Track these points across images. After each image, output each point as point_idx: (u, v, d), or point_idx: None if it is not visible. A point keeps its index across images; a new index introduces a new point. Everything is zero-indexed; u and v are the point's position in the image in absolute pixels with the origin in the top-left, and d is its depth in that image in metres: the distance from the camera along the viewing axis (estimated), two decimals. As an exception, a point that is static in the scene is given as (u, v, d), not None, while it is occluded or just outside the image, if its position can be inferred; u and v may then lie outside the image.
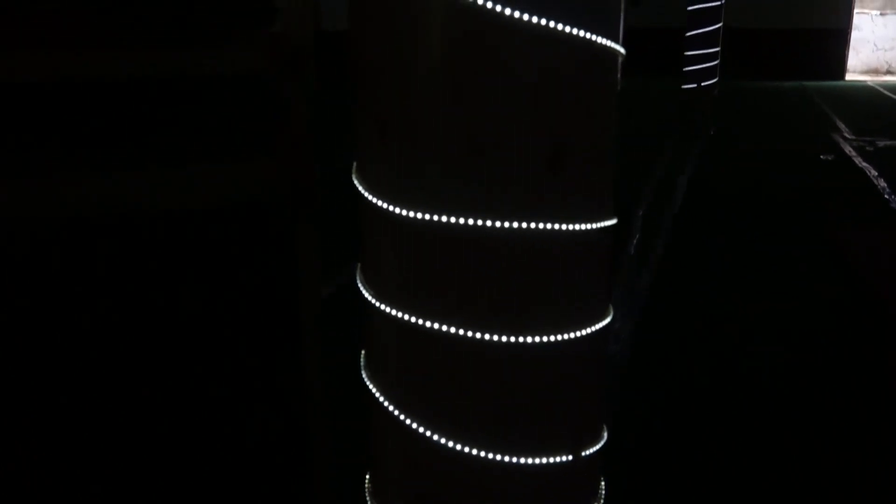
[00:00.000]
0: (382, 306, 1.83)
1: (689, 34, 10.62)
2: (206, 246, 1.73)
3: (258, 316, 1.83)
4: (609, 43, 1.69)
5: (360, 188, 1.83)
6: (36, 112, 1.59)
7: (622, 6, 2.15)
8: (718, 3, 10.45)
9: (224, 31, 1.63)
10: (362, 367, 2.02)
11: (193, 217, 1.68)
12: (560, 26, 1.59)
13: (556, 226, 1.70)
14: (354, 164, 1.89)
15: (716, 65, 10.75)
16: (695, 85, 10.68)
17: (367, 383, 1.98)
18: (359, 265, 1.96)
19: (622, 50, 1.77)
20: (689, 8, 10.54)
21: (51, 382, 1.79)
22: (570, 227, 1.72)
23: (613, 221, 1.86)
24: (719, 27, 10.59)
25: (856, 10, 17.40)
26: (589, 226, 1.76)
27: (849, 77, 17.49)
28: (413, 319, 1.76)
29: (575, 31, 1.61)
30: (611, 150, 1.83)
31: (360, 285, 1.94)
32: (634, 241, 6.56)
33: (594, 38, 1.65)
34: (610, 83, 1.76)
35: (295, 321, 1.83)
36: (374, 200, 1.78)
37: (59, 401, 1.86)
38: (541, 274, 1.73)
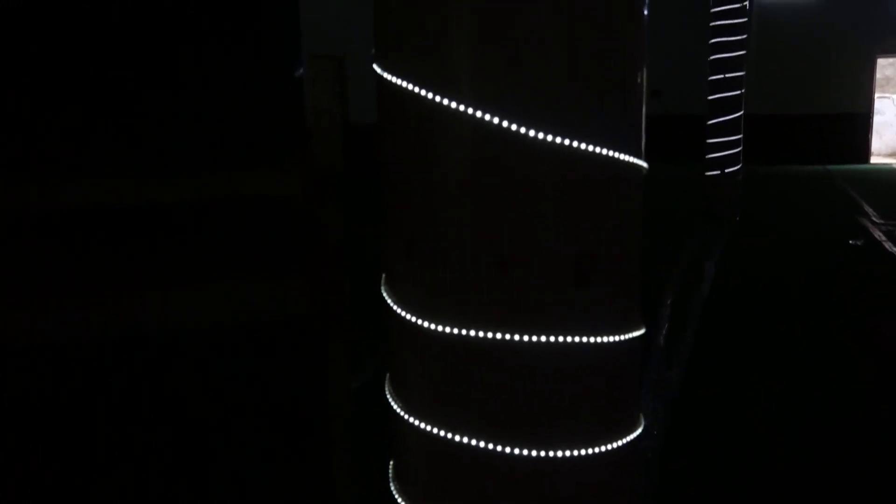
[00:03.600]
0: (411, 419, 1.83)
1: (710, 122, 10.77)
2: (240, 361, 1.76)
3: (287, 431, 1.84)
4: (632, 159, 1.73)
5: (389, 301, 1.86)
6: (78, 233, 1.66)
7: (643, 123, 2.21)
8: (739, 91, 10.62)
9: (259, 155, 1.70)
10: (391, 479, 2.01)
11: (228, 332, 1.71)
12: (583, 146, 1.63)
13: (583, 339, 1.71)
14: (383, 276, 1.93)
15: (738, 151, 10.84)
16: (718, 172, 10.76)
17: (396, 496, 1.96)
18: (388, 376, 1.97)
19: (645, 165, 1.81)
20: (710, 97, 10.72)
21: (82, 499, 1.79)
22: (598, 339, 1.72)
23: (641, 332, 1.86)
24: (741, 115, 10.73)
25: (876, 95, 17.58)
26: (616, 338, 1.76)
27: (874, 160, 17.53)
28: (442, 433, 1.76)
29: (598, 149, 1.65)
30: (636, 261, 1.84)
31: (388, 397, 1.95)
32: (664, 332, 6.50)
33: (617, 155, 1.69)
34: (634, 197, 1.80)
35: (324, 436, 1.84)
36: (403, 314, 1.80)
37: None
38: (568, 387, 1.73)
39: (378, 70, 1.77)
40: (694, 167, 12.06)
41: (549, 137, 1.60)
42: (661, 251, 8.98)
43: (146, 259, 1.69)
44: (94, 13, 1.64)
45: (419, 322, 1.75)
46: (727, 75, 10.57)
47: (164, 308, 1.68)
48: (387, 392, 1.97)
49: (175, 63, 1.73)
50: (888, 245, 9.13)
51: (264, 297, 1.72)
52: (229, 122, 1.72)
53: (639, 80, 1.76)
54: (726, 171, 10.76)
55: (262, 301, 1.72)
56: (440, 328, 1.72)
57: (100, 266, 1.67)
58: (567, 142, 1.61)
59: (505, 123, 1.59)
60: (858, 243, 9.34)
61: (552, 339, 1.67)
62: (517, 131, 1.59)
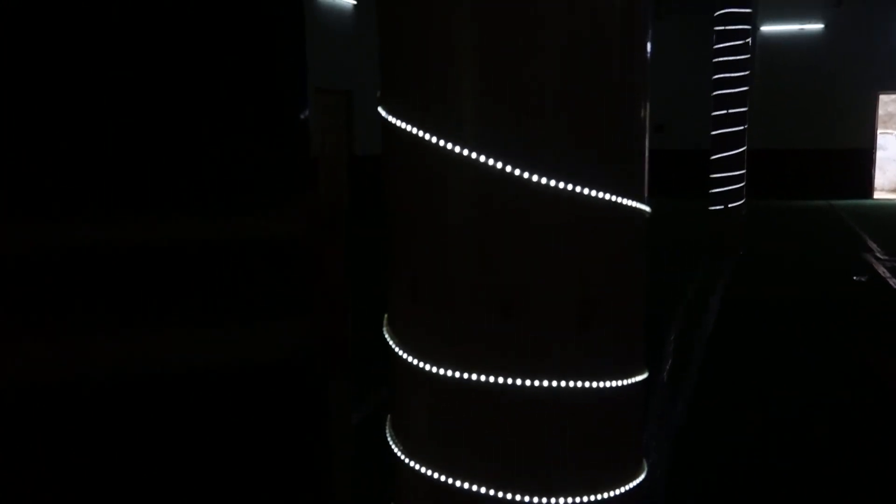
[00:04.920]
0: (411, 462, 1.81)
1: (713, 157, 10.81)
2: (239, 403, 1.76)
3: (288, 472, 1.82)
4: (634, 204, 1.74)
5: (391, 343, 1.86)
6: (78, 273, 1.66)
7: (646, 167, 2.22)
8: (742, 127, 10.67)
9: (263, 197, 1.71)
10: (391, 522, 1.99)
11: (227, 374, 1.71)
12: (586, 191, 1.64)
13: (586, 383, 1.70)
14: (385, 316, 1.93)
15: (742, 186, 10.87)
16: (721, 206, 10.77)
17: (396, 540, 1.94)
18: (388, 417, 1.96)
19: (647, 209, 1.82)
20: (713, 132, 10.77)
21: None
22: (601, 384, 1.72)
23: (644, 376, 1.86)
24: (744, 150, 10.78)
25: (879, 131, 17.66)
26: (619, 382, 1.75)
27: (877, 195, 17.55)
28: (442, 477, 1.75)
29: (600, 194, 1.66)
30: (640, 305, 1.84)
31: (389, 438, 1.93)
32: (667, 367, 6.46)
33: (620, 200, 1.70)
34: (636, 241, 1.80)
35: (326, 477, 1.82)
36: (405, 356, 1.80)
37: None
38: (571, 432, 1.72)
39: (383, 114, 1.79)
40: (698, 201, 12.08)
41: (553, 182, 1.61)
42: (665, 285, 8.96)
43: (146, 300, 1.69)
44: (99, 53, 1.66)
45: (421, 365, 1.75)
46: (730, 111, 10.64)
47: (163, 350, 1.68)
48: (387, 434, 1.96)
49: (179, 104, 1.74)
50: (892, 281, 9.11)
51: (264, 338, 1.72)
52: (233, 164, 1.73)
53: (641, 125, 1.77)
54: (730, 205, 10.78)
55: (263, 343, 1.72)
56: (442, 371, 1.71)
57: (100, 306, 1.68)
58: (570, 187, 1.62)
59: (508, 168, 1.60)
60: (863, 279, 9.32)
61: (555, 383, 1.67)
62: (520, 176, 1.60)
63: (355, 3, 14.49)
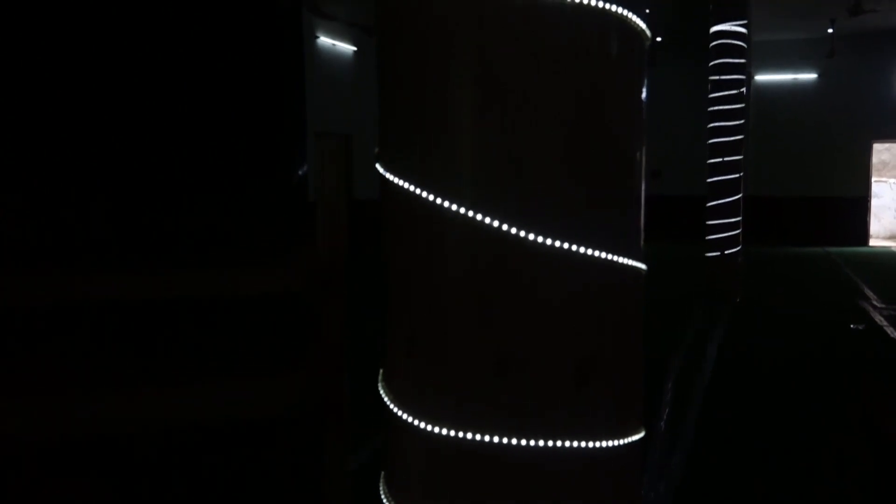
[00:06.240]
0: (406, 522, 1.79)
1: (710, 204, 10.87)
2: (235, 458, 1.73)
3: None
4: (632, 262, 1.74)
5: (386, 399, 1.84)
6: (72, 329, 1.65)
7: (643, 225, 2.23)
8: (738, 175, 10.75)
9: (261, 252, 1.72)
10: (384, 582, 1.95)
11: (222, 430, 1.69)
12: (583, 249, 1.64)
13: (583, 443, 1.68)
14: (381, 371, 1.92)
15: (738, 233, 10.91)
16: (718, 253, 10.80)
17: None
18: (382, 474, 1.94)
19: (644, 267, 1.82)
20: (709, 179, 10.84)
21: None
22: (597, 444, 1.70)
23: (641, 435, 1.84)
24: (740, 197, 10.84)
25: (874, 179, 17.81)
26: (617, 442, 1.74)
27: (872, 243, 17.62)
28: (437, 538, 1.72)
29: (597, 253, 1.66)
30: (638, 362, 1.83)
31: (383, 495, 1.91)
32: (665, 415, 6.40)
33: (617, 258, 1.70)
34: (634, 299, 1.80)
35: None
36: (399, 413, 1.78)
37: None
38: (567, 493, 1.70)
39: (381, 170, 1.80)
40: (694, 245, 12.11)
41: (549, 241, 1.61)
42: (662, 332, 8.93)
43: (143, 356, 1.68)
44: (100, 115, 1.68)
45: (416, 422, 1.73)
46: (726, 158, 10.73)
47: (155, 407, 1.66)
48: (381, 490, 1.93)
49: (178, 160, 1.75)
50: (890, 330, 9.09)
51: (260, 395, 1.70)
52: (229, 220, 1.74)
53: (638, 184, 1.78)
54: (726, 252, 10.81)
55: (258, 399, 1.70)
56: (437, 429, 1.69)
57: (96, 362, 1.67)
58: (566, 245, 1.62)
59: (505, 227, 1.61)
60: (860, 328, 9.30)
61: (551, 443, 1.65)
62: (517, 234, 1.61)
63: (356, 49, 14.70)
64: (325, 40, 13.99)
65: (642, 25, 1.72)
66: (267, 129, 1.78)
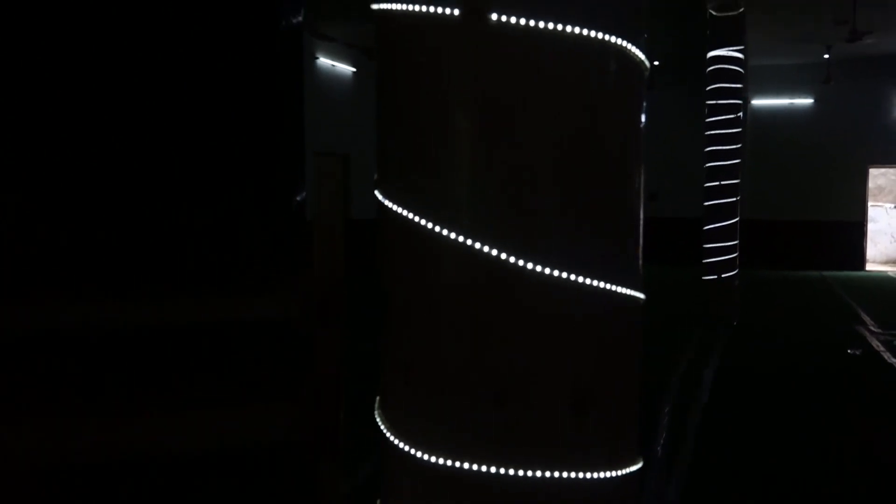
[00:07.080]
0: (401, 553, 1.77)
1: (707, 227, 10.88)
2: (227, 488, 1.72)
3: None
4: (630, 291, 1.74)
5: (383, 427, 1.83)
6: (66, 357, 1.64)
7: (640, 254, 2.24)
8: (734, 199, 10.78)
9: (257, 279, 1.71)
10: None
11: (216, 459, 1.67)
12: (580, 279, 1.64)
13: (580, 474, 1.67)
14: (377, 399, 1.90)
15: (735, 257, 10.92)
16: (715, 276, 10.80)
17: None
18: (378, 502, 1.92)
19: (642, 296, 1.81)
20: (706, 203, 10.86)
21: None
22: (595, 475, 1.68)
23: (638, 466, 1.82)
24: (736, 221, 10.86)
25: (870, 204, 17.88)
26: (614, 473, 1.72)
27: (869, 267, 17.65)
28: (432, 570, 1.70)
29: (595, 282, 1.66)
30: (635, 393, 1.82)
31: (378, 526, 1.89)
32: (661, 441, 6.37)
33: (615, 288, 1.70)
34: (632, 328, 1.79)
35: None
36: (396, 442, 1.77)
37: None
38: (565, 524, 1.68)
39: (379, 197, 1.80)
40: (691, 268, 12.11)
41: (547, 270, 1.61)
42: (659, 356, 8.91)
43: (135, 384, 1.67)
44: (99, 141, 1.68)
45: (412, 451, 1.72)
46: (722, 182, 10.76)
47: (148, 434, 1.64)
48: (377, 521, 1.91)
49: (175, 183, 1.75)
50: (887, 355, 9.07)
51: (254, 423, 1.69)
52: (228, 244, 1.73)
53: (636, 213, 1.78)
54: (723, 275, 10.81)
55: (252, 428, 1.68)
56: (433, 459, 1.68)
57: (87, 391, 1.65)
58: (564, 275, 1.62)
59: (503, 255, 1.60)
60: (857, 353, 9.28)
61: (548, 474, 1.64)
62: (515, 263, 1.60)
63: (354, 70, 14.78)
64: (324, 61, 14.07)
65: (641, 56, 1.73)
66: (265, 152, 1.78)
